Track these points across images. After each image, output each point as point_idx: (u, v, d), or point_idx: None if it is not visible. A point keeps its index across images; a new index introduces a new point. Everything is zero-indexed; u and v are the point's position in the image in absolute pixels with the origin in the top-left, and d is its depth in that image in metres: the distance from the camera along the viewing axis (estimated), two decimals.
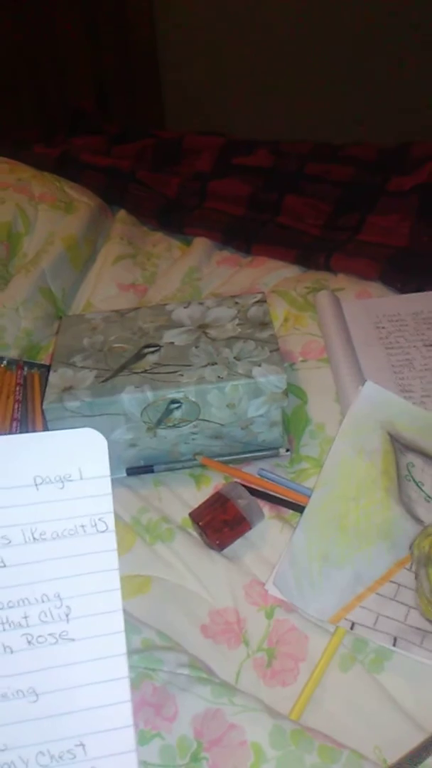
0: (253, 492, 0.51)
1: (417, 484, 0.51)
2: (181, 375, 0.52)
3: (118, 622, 0.33)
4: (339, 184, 0.89)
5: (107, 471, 0.35)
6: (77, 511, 0.34)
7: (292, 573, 0.46)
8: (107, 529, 0.34)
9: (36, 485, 0.34)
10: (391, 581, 0.45)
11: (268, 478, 0.54)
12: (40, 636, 0.32)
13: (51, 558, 0.33)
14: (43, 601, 0.32)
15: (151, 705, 0.39)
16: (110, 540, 0.34)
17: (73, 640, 0.32)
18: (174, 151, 1.01)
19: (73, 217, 0.83)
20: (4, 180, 0.85)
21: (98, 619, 0.33)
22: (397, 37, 1.55)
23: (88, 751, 0.32)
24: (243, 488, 0.51)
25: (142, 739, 0.38)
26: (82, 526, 0.34)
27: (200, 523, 0.49)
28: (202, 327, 0.57)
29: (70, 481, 0.34)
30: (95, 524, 0.34)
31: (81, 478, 0.35)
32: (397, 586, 0.45)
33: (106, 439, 0.52)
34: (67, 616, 0.32)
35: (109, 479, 0.35)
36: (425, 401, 0.57)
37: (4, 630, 0.32)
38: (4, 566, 0.33)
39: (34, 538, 0.33)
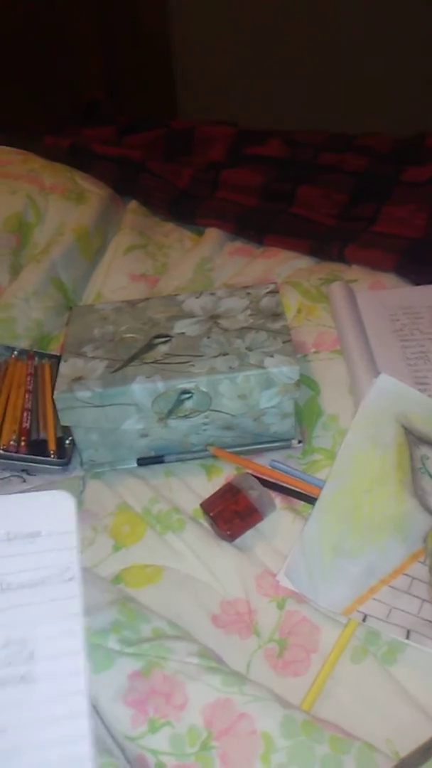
0: (265, 483, 0.51)
1: (431, 477, 0.50)
2: (193, 365, 0.51)
3: (80, 662, 0.35)
4: (353, 174, 0.88)
5: (75, 527, 0.39)
6: (45, 562, 0.37)
7: (304, 564, 0.46)
8: (73, 578, 0.37)
9: (8, 540, 0.38)
10: (405, 574, 0.45)
11: (279, 469, 0.53)
12: (4, 677, 0.34)
13: (18, 605, 0.36)
14: (7, 646, 0.35)
15: (161, 693, 0.39)
16: (75, 588, 0.37)
17: (34, 680, 0.34)
18: (186, 141, 1.00)
19: (84, 208, 0.82)
20: (15, 170, 0.85)
21: (61, 660, 0.35)
22: (416, 25, 1.52)
23: None
24: (254, 479, 0.51)
25: (152, 727, 0.38)
26: (49, 577, 0.37)
27: (211, 514, 0.49)
28: (214, 317, 0.56)
29: (40, 536, 0.38)
30: (62, 574, 0.37)
31: (50, 534, 0.38)
32: (411, 579, 0.45)
33: (117, 429, 0.53)
34: (30, 658, 0.35)
35: (75, 534, 0.38)
36: None
37: None
38: None
39: (2, 588, 0.36)
